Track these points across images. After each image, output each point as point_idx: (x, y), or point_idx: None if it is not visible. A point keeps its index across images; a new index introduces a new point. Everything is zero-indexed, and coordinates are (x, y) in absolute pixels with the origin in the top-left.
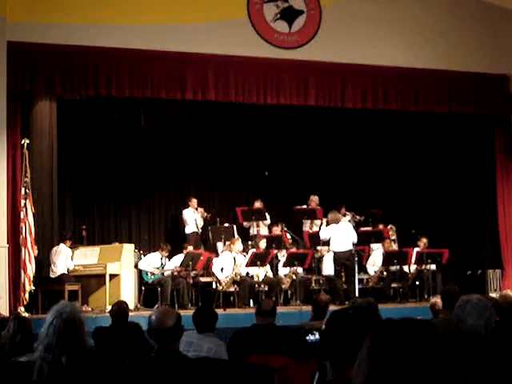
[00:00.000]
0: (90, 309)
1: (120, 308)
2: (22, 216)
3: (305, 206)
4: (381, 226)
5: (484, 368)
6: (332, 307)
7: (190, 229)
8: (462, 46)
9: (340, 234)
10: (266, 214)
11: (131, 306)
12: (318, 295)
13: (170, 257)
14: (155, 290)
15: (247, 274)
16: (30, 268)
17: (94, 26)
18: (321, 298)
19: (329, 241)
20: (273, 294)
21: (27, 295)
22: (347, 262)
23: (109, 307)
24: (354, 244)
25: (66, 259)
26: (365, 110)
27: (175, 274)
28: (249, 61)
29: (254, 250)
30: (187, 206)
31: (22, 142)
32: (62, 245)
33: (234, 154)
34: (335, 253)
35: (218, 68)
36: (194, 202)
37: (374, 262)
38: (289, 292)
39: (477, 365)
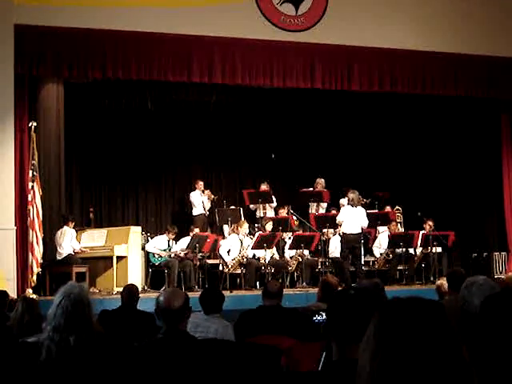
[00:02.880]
0: (97, 291)
1: (131, 291)
2: (29, 198)
3: (311, 189)
4: (388, 208)
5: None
6: (339, 289)
7: (197, 211)
8: (469, 28)
9: (353, 216)
10: (273, 197)
11: (138, 288)
12: (327, 277)
13: (176, 239)
14: (162, 272)
15: (253, 256)
16: (38, 250)
17: (100, 9)
18: (331, 281)
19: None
20: (279, 276)
21: (35, 277)
22: (356, 245)
23: (116, 289)
24: (362, 228)
25: (70, 240)
26: (371, 93)
27: (182, 256)
28: (255, 43)
29: (260, 232)
30: (194, 189)
31: (30, 125)
32: (65, 227)
33: (240, 137)
34: (345, 234)
35: (224, 51)
36: (201, 184)
37: (380, 244)
38: (295, 274)
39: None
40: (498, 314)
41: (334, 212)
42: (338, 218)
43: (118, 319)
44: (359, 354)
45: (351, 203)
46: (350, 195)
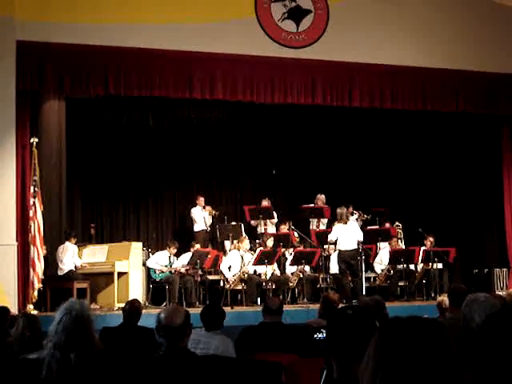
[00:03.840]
0: (98, 307)
1: (133, 307)
2: (30, 214)
3: (312, 205)
4: (387, 225)
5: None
6: (340, 306)
7: (198, 227)
8: (469, 45)
9: (346, 232)
10: (274, 213)
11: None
12: (328, 294)
13: (177, 255)
14: (163, 288)
15: (255, 272)
16: (39, 266)
17: (102, 26)
18: (332, 298)
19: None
20: (280, 292)
21: (36, 293)
22: (352, 262)
23: (117, 305)
24: (359, 243)
25: (72, 256)
26: (372, 109)
27: (183, 272)
28: (256, 60)
29: (261, 248)
30: (195, 205)
31: (31, 141)
32: (67, 242)
33: (241, 153)
34: (340, 251)
35: (225, 67)
36: (201, 200)
37: (381, 260)
38: (296, 290)
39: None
40: (500, 332)
41: None
42: (330, 237)
43: (120, 336)
44: (360, 372)
45: (340, 222)
46: (338, 211)
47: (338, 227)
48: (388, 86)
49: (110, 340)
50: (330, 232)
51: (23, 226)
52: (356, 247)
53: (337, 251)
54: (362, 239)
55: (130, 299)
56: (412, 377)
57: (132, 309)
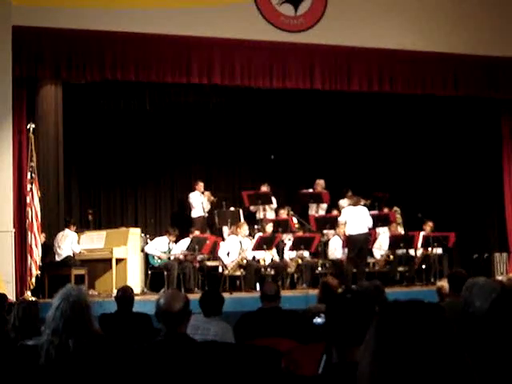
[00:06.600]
0: (96, 293)
1: (125, 293)
2: (28, 200)
3: (311, 190)
4: (385, 210)
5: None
6: (339, 291)
7: (196, 213)
8: (468, 28)
9: (356, 216)
10: (273, 198)
11: (138, 290)
12: (327, 279)
13: (176, 241)
14: (162, 274)
15: (253, 257)
16: (37, 253)
17: (99, 10)
18: (331, 283)
19: (336, 223)
20: (279, 277)
21: (34, 280)
22: (364, 246)
23: (115, 291)
24: (368, 228)
25: (71, 243)
26: (371, 94)
27: (181, 258)
28: (254, 44)
29: (260, 233)
30: (193, 190)
31: (28, 127)
32: (67, 230)
33: (240, 138)
34: (351, 235)
35: (223, 52)
36: (201, 185)
37: (381, 245)
38: (295, 276)
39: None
40: (505, 317)
41: (335, 213)
42: (340, 219)
43: (117, 322)
44: (360, 356)
45: (351, 203)
46: (353, 198)
47: (348, 209)
48: (387, 71)
49: (109, 326)
50: (329, 217)
51: (20, 212)
52: (366, 231)
53: (335, 236)
54: (371, 225)
55: (121, 286)
56: (412, 360)
57: (125, 294)
